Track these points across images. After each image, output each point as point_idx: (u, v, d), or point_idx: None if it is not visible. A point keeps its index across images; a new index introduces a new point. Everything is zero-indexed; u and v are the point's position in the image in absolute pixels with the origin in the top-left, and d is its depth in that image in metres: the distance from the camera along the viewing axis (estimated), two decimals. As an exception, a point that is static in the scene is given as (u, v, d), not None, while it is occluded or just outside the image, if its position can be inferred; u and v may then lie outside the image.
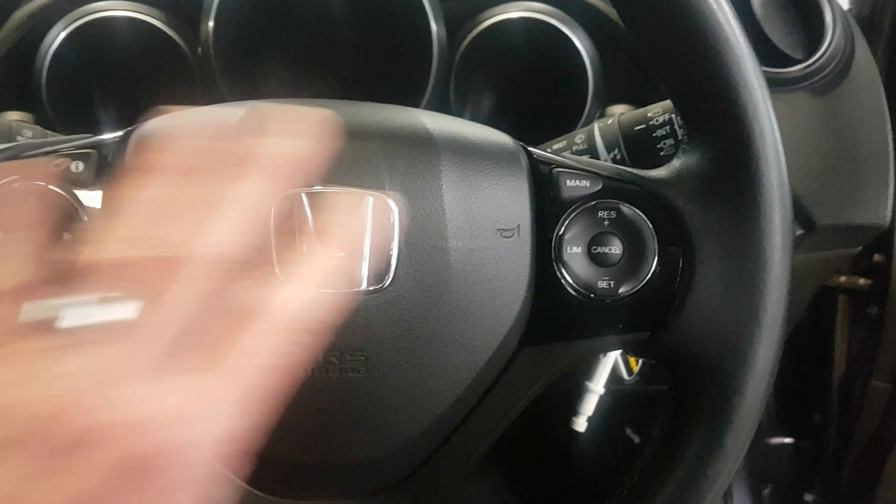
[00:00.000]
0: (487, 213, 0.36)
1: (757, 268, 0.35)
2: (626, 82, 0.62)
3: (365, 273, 0.34)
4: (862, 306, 0.92)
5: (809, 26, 0.62)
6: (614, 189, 0.37)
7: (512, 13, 0.60)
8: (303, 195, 0.34)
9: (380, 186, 0.35)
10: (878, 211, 0.54)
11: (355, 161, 0.35)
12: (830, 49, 0.58)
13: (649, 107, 0.47)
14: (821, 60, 0.58)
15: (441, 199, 0.35)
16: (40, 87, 0.59)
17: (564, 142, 0.49)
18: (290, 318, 0.25)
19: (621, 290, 0.37)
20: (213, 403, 0.23)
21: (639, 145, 0.47)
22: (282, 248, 0.33)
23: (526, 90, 0.63)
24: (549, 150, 0.49)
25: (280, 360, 0.24)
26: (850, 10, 0.81)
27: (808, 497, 1.02)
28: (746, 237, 0.35)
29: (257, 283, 0.25)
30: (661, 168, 0.38)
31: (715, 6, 0.34)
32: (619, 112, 0.61)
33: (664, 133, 0.46)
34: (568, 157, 0.40)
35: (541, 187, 0.37)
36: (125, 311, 0.23)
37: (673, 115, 0.45)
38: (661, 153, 0.46)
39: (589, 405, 0.53)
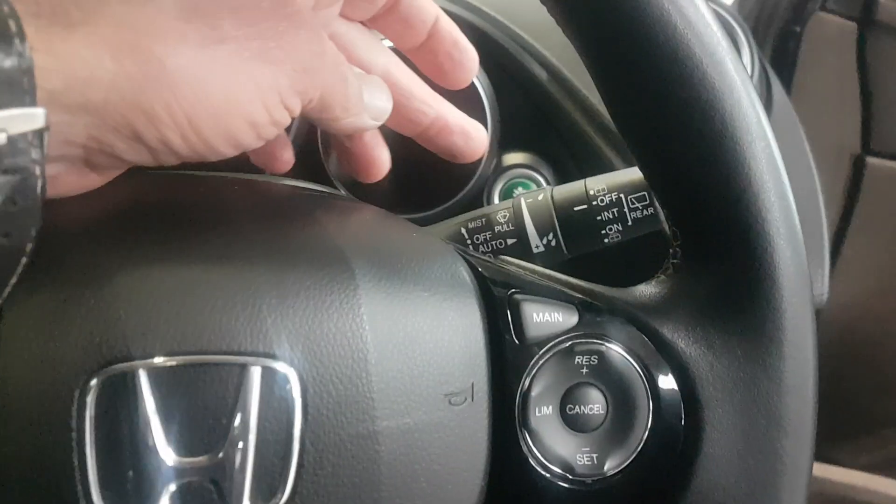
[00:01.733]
0: (430, 373, 0.25)
1: (780, 433, 0.27)
2: (522, 125, 0.53)
3: (246, 490, 0.22)
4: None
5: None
6: (593, 324, 0.27)
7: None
8: (140, 371, 0.21)
9: (268, 348, 0.22)
10: (816, 288, 0.48)
11: (223, 310, 0.22)
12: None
13: (588, 181, 0.38)
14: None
15: (365, 360, 0.23)
16: None
17: (483, 220, 0.39)
18: None
19: (607, 465, 0.27)
20: None
21: (578, 230, 0.37)
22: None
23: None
24: (464, 231, 0.39)
25: None
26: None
27: None
28: (767, 393, 0.27)
29: None
30: (647, 286, 0.29)
31: (745, 101, 0.25)
32: (515, 162, 0.52)
33: (611, 217, 0.37)
34: (524, 270, 0.29)
35: (497, 324, 0.27)
36: None
37: (622, 196, 0.36)
38: (606, 241, 0.37)
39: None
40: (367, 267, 0.25)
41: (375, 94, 0.31)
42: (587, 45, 0.26)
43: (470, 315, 0.26)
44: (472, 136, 0.37)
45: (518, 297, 0.27)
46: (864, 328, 0.74)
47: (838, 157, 0.71)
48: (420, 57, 0.36)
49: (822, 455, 0.79)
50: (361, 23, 0.35)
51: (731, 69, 0.26)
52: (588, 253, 0.38)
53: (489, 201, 0.53)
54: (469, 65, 0.37)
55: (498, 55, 0.51)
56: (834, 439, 0.77)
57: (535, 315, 0.27)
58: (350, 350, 0.23)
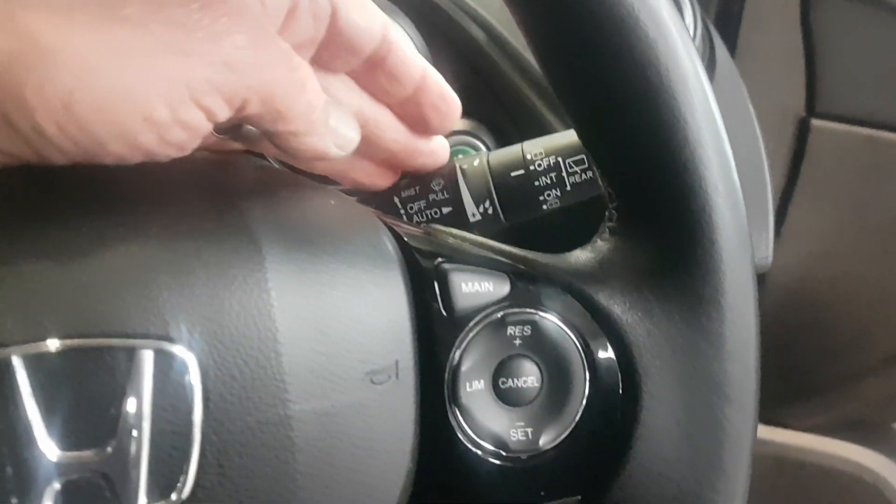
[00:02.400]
0: (348, 350, 0.23)
1: (721, 400, 0.26)
2: (460, 90, 0.51)
3: (142, 485, 0.20)
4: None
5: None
6: (526, 292, 0.26)
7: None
8: (13, 357, 0.19)
9: (161, 330, 0.20)
10: (759, 251, 0.48)
11: (109, 288, 0.20)
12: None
13: (525, 145, 0.36)
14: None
15: (274, 339, 0.21)
16: None
17: (416, 188, 0.37)
18: None
19: (542, 439, 0.25)
20: None
21: (516, 196, 0.35)
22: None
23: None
24: (397, 200, 0.37)
25: None
26: None
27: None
28: (707, 359, 0.25)
29: None
30: (583, 251, 0.27)
31: (685, 61, 0.24)
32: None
33: (548, 182, 0.35)
34: (454, 238, 0.28)
35: (424, 296, 0.25)
36: None
37: (560, 160, 0.35)
38: (545, 207, 0.36)
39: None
40: (275, 238, 0.23)
41: (343, 121, 0.28)
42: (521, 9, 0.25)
43: (393, 287, 0.24)
44: (438, 154, 0.37)
45: (446, 266, 0.25)
46: (811, 291, 0.74)
47: (783, 120, 0.71)
48: (403, 108, 0.34)
49: (770, 418, 0.80)
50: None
51: (666, 17, 0.24)
52: (527, 219, 0.37)
53: (429, 170, 0.51)
54: (453, 115, 0.35)
55: (433, 16, 0.49)
56: (782, 403, 0.77)
57: (463, 285, 0.25)
58: (256, 330, 0.21)
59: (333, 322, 0.23)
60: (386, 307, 0.24)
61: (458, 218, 0.36)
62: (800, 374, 0.76)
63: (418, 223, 0.37)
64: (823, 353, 0.76)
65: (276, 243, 0.22)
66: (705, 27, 0.53)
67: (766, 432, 0.76)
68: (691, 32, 0.50)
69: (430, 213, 0.36)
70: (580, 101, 0.26)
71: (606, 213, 0.28)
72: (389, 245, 0.25)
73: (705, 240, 0.25)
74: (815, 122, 0.70)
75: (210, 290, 0.21)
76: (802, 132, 0.71)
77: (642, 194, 0.26)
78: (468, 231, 0.37)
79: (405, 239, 0.26)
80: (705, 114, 0.25)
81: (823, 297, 0.75)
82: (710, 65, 0.53)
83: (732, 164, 0.25)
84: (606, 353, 0.26)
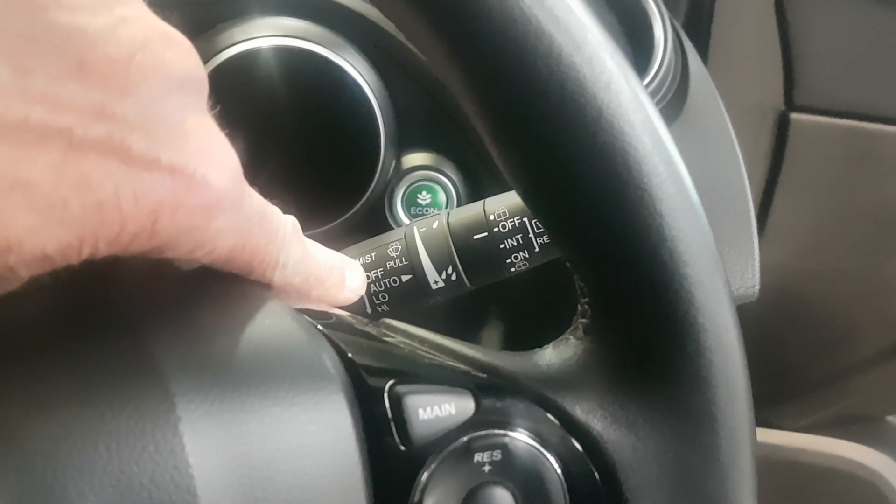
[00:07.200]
0: (290, 508, 0.20)
1: (719, 517, 0.23)
2: (420, 122, 0.48)
3: None
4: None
5: (633, 41, 0.52)
6: (494, 410, 0.23)
7: (259, 40, 0.42)
8: None
9: None
10: (746, 280, 0.45)
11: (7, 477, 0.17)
12: (663, 69, 0.48)
13: (487, 204, 0.33)
14: (653, 84, 0.48)
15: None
16: None
17: (372, 254, 0.33)
18: None
19: (521, 583, 0.23)
20: None
21: (480, 260, 0.32)
22: None
23: (293, 142, 0.46)
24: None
25: None
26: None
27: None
28: (700, 475, 0.23)
29: None
30: (555, 351, 0.24)
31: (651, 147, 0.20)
32: (416, 163, 0.47)
33: (515, 244, 0.32)
34: (409, 341, 0.24)
35: (376, 427, 0.22)
36: None
37: (526, 220, 0.32)
38: (512, 269, 0.33)
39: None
40: (193, 387, 0.19)
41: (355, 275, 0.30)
42: (464, 93, 0.21)
43: (339, 426, 0.21)
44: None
45: (400, 389, 0.22)
46: (797, 288, 0.72)
47: (762, 115, 0.68)
48: None
49: (764, 420, 0.78)
50: None
51: (630, 98, 0.21)
52: (494, 282, 0.34)
53: (391, 208, 0.48)
54: None
55: (386, 44, 0.45)
56: (773, 403, 0.76)
57: (421, 411, 0.22)
58: (179, 493, 0.18)
59: (270, 485, 0.19)
60: (332, 451, 0.21)
61: (419, 285, 0.33)
62: (790, 373, 0.74)
63: (377, 293, 0.34)
64: (813, 350, 0.74)
65: (195, 394, 0.19)
66: (676, 36, 0.50)
67: (758, 434, 0.75)
68: (662, 46, 0.47)
69: (388, 282, 0.33)
70: (543, 197, 0.22)
71: (579, 307, 0.25)
72: (332, 368, 0.22)
73: (692, 345, 0.22)
74: (795, 116, 0.68)
75: (115, 469, 0.18)
76: (782, 126, 0.68)
77: (618, 293, 0.23)
78: (430, 297, 0.34)
79: (350, 356, 0.23)
80: (683, 204, 0.22)
81: (810, 294, 0.73)
82: (683, 78, 0.50)
83: (717, 254, 0.22)
84: (588, 475, 0.23)
